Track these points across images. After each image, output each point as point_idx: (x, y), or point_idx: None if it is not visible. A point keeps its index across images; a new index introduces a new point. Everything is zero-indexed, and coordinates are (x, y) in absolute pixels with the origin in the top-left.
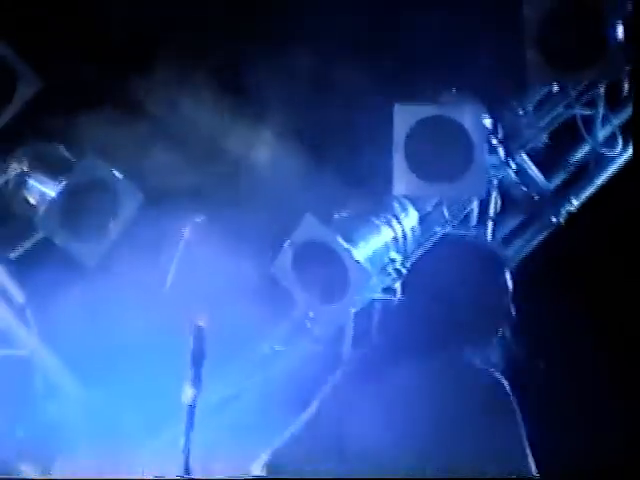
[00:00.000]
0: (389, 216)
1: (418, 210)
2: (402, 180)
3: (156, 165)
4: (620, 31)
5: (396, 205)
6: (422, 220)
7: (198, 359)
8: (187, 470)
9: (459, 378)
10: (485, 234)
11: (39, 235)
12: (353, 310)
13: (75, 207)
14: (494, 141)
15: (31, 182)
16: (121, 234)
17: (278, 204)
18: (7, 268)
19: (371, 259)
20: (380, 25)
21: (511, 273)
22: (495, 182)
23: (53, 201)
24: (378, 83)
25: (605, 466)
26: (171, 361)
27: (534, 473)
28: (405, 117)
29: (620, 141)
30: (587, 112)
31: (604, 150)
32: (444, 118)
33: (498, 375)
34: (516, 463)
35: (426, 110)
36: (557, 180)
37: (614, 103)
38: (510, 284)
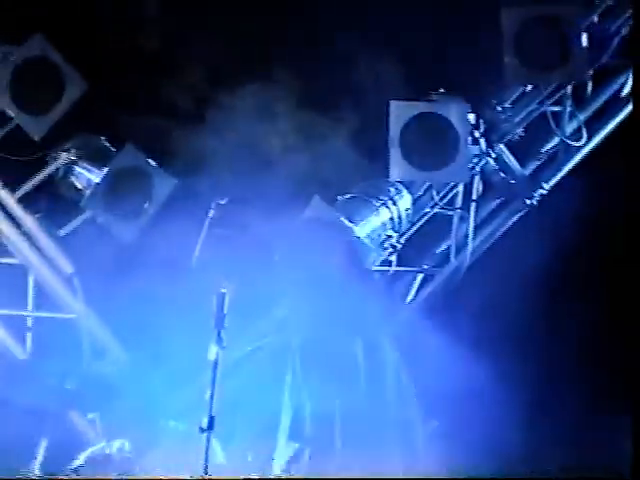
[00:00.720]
0: (386, 199)
1: (411, 193)
2: (397, 167)
3: (188, 153)
4: (584, 39)
5: (392, 189)
6: (415, 202)
7: (221, 322)
8: (211, 419)
9: None
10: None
11: (85, 215)
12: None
13: (116, 191)
14: (476, 134)
15: (78, 169)
16: (156, 214)
17: (291, 188)
18: (57, 243)
19: (370, 236)
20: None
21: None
22: (477, 169)
23: (97, 186)
24: (377, 82)
25: None
26: (198, 323)
27: None
28: (400, 113)
29: (585, 133)
30: (556, 109)
31: (571, 141)
32: (434, 114)
33: None
34: None
35: (418, 107)
36: (531, 167)
37: (579, 101)
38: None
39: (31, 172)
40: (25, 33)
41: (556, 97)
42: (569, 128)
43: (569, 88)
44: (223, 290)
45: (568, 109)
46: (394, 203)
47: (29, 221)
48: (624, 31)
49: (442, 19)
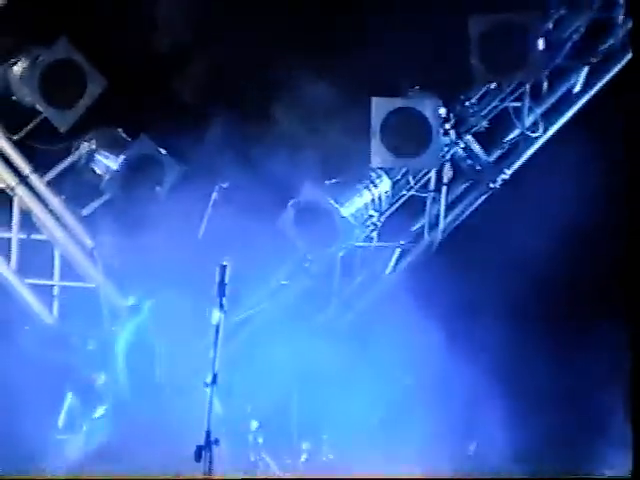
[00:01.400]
0: (368, 183)
1: (390, 178)
2: (378, 155)
3: (194, 143)
4: (540, 44)
5: (373, 174)
6: (393, 185)
7: (222, 290)
8: (214, 375)
9: None
10: None
11: (104, 197)
12: (340, 254)
13: (131, 176)
14: (447, 126)
15: (98, 157)
16: (166, 197)
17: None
18: (80, 221)
19: (354, 215)
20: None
21: None
22: (448, 157)
23: (114, 171)
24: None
25: None
26: (203, 291)
27: None
28: (380, 107)
29: (541, 126)
30: (516, 104)
31: (529, 132)
32: (410, 108)
33: None
34: None
35: (396, 102)
36: (494, 155)
37: (536, 97)
38: None
39: (57, 159)
40: (51, 37)
41: (516, 94)
42: (528, 121)
43: (527, 86)
44: (224, 263)
45: (527, 104)
46: (375, 186)
47: (56, 202)
48: (575, 37)
49: (418, 24)
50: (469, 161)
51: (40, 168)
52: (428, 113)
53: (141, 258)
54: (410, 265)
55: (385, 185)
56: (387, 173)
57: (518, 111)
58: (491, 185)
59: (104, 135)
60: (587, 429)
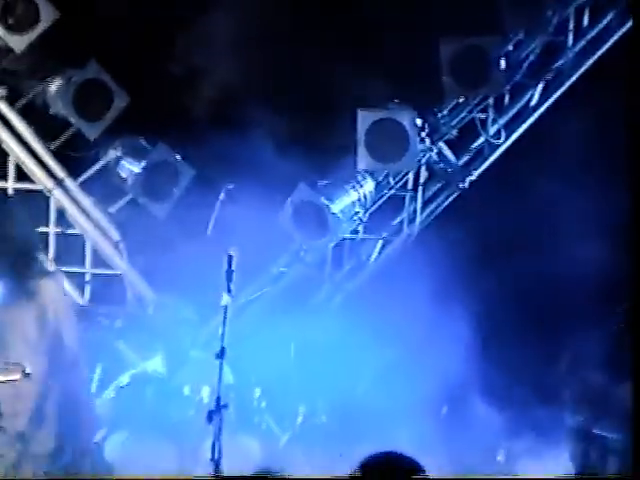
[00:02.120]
0: (354, 183)
1: (374, 179)
2: (363, 159)
3: (204, 150)
4: (502, 63)
5: (359, 176)
6: (376, 186)
7: (230, 276)
8: (222, 349)
9: None
10: None
11: (128, 197)
12: (331, 245)
13: (151, 179)
14: (423, 134)
15: (123, 163)
16: (181, 196)
17: (280, 179)
18: (108, 218)
19: (343, 211)
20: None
21: None
22: (423, 161)
23: (137, 175)
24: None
25: None
26: (214, 277)
27: None
28: (365, 118)
29: (503, 134)
30: (482, 115)
31: (493, 140)
32: (390, 119)
33: None
34: None
35: (378, 114)
36: (463, 159)
37: (499, 109)
38: None
39: (88, 165)
40: (82, 60)
41: (481, 106)
42: (492, 130)
43: (491, 100)
44: (231, 253)
45: (491, 116)
46: (361, 187)
47: (86, 202)
48: (532, 57)
49: (398, 45)
50: (441, 165)
51: (73, 173)
52: (406, 123)
53: (159, 247)
54: (391, 254)
55: (369, 185)
56: (371, 175)
57: (483, 121)
58: (460, 185)
59: (128, 144)
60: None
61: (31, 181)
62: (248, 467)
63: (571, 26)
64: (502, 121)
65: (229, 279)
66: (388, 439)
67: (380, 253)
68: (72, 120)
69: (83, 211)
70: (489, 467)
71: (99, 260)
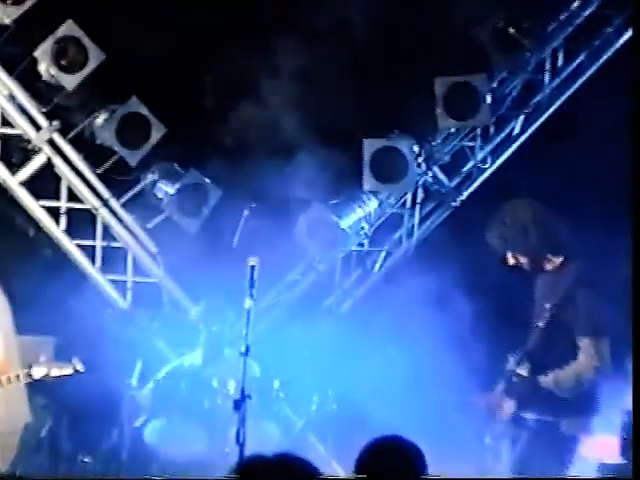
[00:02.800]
0: (361, 202)
1: (377, 199)
2: (368, 182)
3: (230, 175)
4: (488, 98)
5: (364, 196)
6: (379, 205)
7: (252, 283)
8: (247, 347)
9: None
10: None
11: (164, 215)
12: (340, 256)
13: (184, 199)
14: (419, 160)
15: (159, 185)
16: (210, 213)
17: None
18: (146, 233)
19: (350, 227)
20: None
21: None
22: (420, 183)
23: (171, 196)
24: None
25: None
26: (238, 285)
27: None
28: (369, 146)
29: (489, 159)
30: (470, 144)
31: (480, 165)
32: (391, 147)
33: None
34: None
35: (381, 142)
36: (455, 182)
37: (486, 138)
38: None
39: (129, 187)
40: (125, 95)
41: (470, 136)
42: (479, 156)
43: (479, 130)
44: (252, 263)
45: (478, 144)
46: (366, 205)
47: (128, 219)
48: (514, 93)
49: (399, 81)
50: (436, 186)
51: (116, 194)
52: (405, 150)
53: (192, 258)
54: (392, 264)
55: (373, 204)
56: (375, 195)
57: (472, 149)
58: (452, 204)
59: (163, 168)
60: None
61: (80, 201)
62: (268, 449)
63: (547, 66)
64: (488, 148)
65: (251, 286)
66: (390, 425)
67: (383, 263)
68: (116, 148)
69: (125, 227)
70: (480, 448)
71: (139, 269)
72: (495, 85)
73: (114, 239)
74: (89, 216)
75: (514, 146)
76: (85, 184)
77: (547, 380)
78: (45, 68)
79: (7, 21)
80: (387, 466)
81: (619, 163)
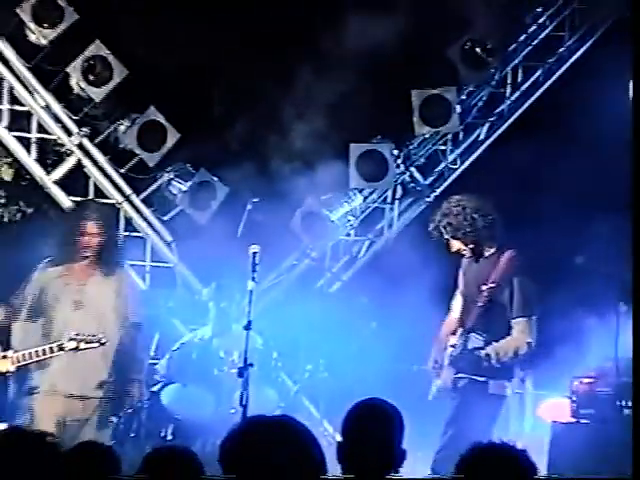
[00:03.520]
0: (348, 198)
1: (362, 195)
2: (354, 180)
3: (235, 174)
4: (458, 108)
5: (351, 192)
6: (364, 200)
7: (254, 268)
8: (249, 322)
9: None
10: None
11: (178, 209)
12: (331, 244)
13: (195, 195)
14: (398, 161)
15: (174, 183)
16: (218, 207)
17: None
18: (163, 224)
19: (339, 219)
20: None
21: None
22: (399, 181)
23: (184, 192)
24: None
25: None
26: (242, 269)
27: None
28: (355, 149)
29: (459, 161)
30: (443, 147)
31: (451, 165)
32: (374, 150)
33: None
34: None
35: (365, 146)
36: (429, 180)
37: (455, 142)
38: None
39: (148, 184)
40: (144, 105)
41: (442, 140)
42: (450, 158)
43: (450, 135)
44: (254, 250)
45: (449, 147)
46: (352, 201)
47: (147, 212)
48: (480, 104)
49: (381, 93)
50: (412, 184)
51: (137, 190)
52: (386, 153)
53: (201, 246)
54: (375, 251)
55: (359, 200)
56: (360, 192)
57: (444, 152)
58: (427, 199)
59: (178, 168)
60: None
61: (106, 197)
62: (268, 410)
63: (509, 81)
64: (458, 151)
65: (253, 270)
66: (372, 391)
67: (367, 251)
68: (136, 151)
69: (144, 219)
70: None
71: (156, 255)
72: (464, 97)
73: (135, 229)
74: (113, 210)
75: (480, 149)
76: (110, 182)
77: (489, 354)
78: (76, 82)
79: (44, 42)
80: (368, 427)
81: (565, 163)
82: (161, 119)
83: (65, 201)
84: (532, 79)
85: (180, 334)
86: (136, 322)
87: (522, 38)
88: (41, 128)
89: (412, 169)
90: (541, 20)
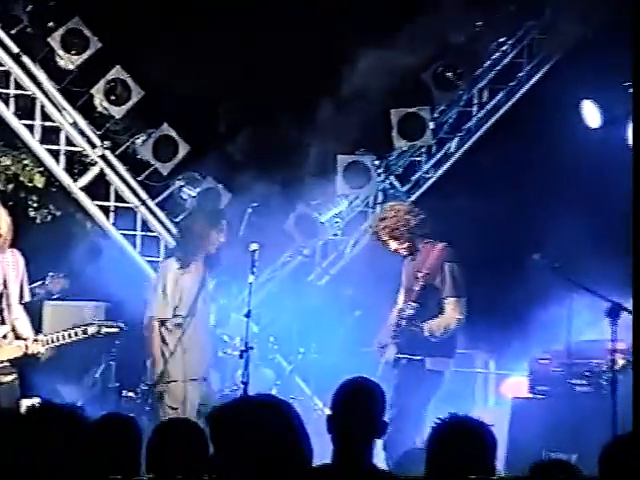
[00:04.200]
0: (335, 203)
1: (348, 200)
2: (340, 187)
3: (237, 181)
4: (431, 125)
5: (338, 198)
6: (349, 204)
7: (253, 263)
8: (249, 311)
9: None
10: None
11: (187, 211)
12: (320, 242)
13: (202, 199)
14: (379, 171)
15: (184, 189)
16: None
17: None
18: (174, 225)
19: (328, 221)
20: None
21: None
22: (380, 188)
23: (193, 197)
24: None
25: None
26: (243, 263)
27: None
28: (342, 160)
29: (432, 171)
30: (418, 158)
31: (425, 175)
32: (358, 161)
33: None
34: None
35: (351, 158)
36: (406, 187)
37: (429, 155)
38: None
39: (161, 190)
40: (158, 121)
41: (418, 152)
42: (424, 168)
43: (424, 148)
44: (254, 248)
45: (424, 159)
46: (339, 205)
47: (161, 214)
48: (450, 120)
49: (363, 112)
50: (392, 191)
51: (152, 195)
52: (368, 163)
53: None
54: (360, 249)
55: (344, 204)
56: (346, 197)
57: (419, 162)
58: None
59: (188, 177)
60: None
61: (125, 201)
62: (265, 387)
63: (475, 101)
64: (431, 162)
65: (253, 265)
66: (358, 370)
67: (352, 248)
68: (151, 161)
69: (158, 220)
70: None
71: (169, 252)
72: (436, 115)
73: (150, 230)
74: (131, 212)
75: (450, 161)
76: (128, 188)
77: (422, 328)
78: (99, 102)
79: (71, 66)
80: (353, 402)
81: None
82: (173, 134)
83: (89, 205)
84: (496, 99)
85: None
86: None
87: (487, 64)
88: (69, 141)
89: (391, 177)
90: (504, 48)
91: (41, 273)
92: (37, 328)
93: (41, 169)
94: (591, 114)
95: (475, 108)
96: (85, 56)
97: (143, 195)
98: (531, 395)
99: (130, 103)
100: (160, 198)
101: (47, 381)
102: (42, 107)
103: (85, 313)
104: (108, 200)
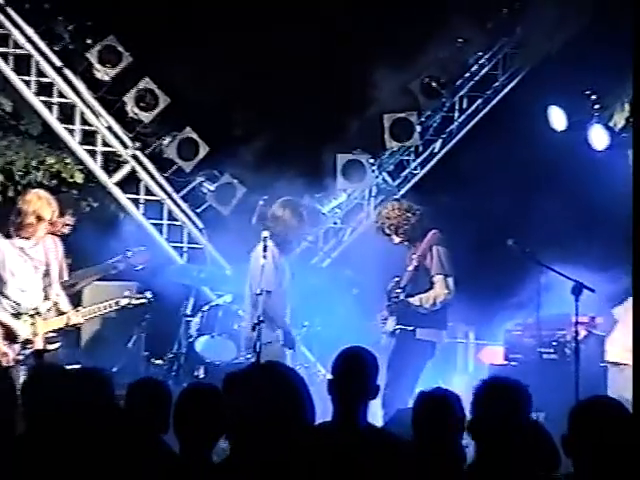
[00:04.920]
0: (335, 195)
1: (346, 194)
2: (340, 182)
3: (251, 177)
4: (418, 128)
5: (338, 192)
6: (348, 197)
7: (265, 248)
8: (262, 290)
9: None
10: None
11: (207, 204)
12: (323, 230)
13: (220, 193)
14: (373, 168)
15: (204, 184)
16: (237, 203)
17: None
18: (196, 215)
19: (329, 212)
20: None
21: None
22: (374, 183)
23: (212, 191)
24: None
25: None
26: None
27: None
28: (341, 159)
29: (419, 168)
30: (407, 158)
31: (412, 172)
32: (356, 159)
33: None
34: None
35: (348, 156)
36: (396, 182)
37: (416, 154)
38: None
39: (185, 185)
40: (182, 125)
41: (407, 152)
42: (412, 166)
43: (412, 149)
44: (265, 235)
45: (412, 158)
46: (339, 197)
47: (185, 206)
48: (434, 124)
49: (359, 119)
50: (384, 185)
51: (177, 190)
52: (364, 161)
53: (226, 233)
54: (357, 236)
55: (344, 197)
56: (344, 191)
57: (408, 161)
58: (394, 197)
59: (207, 173)
60: None
61: (153, 195)
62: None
63: (457, 107)
64: (418, 161)
65: (264, 249)
66: (355, 341)
67: (350, 235)
68: (176, 160)
69: (182, 211)
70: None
71: (191, 239)
72: (423, 119)
73: (175, 219)
74: (159, 204)
75: (435, 159)
76: (156, 183)
77: (414, 301)
78: (130, 108)
79: (107, 78)
80: (350, 367)
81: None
82: (195, 136)
83: (122, 198)
84: (474, 106)
85: (209, 299)
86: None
87: (467, 75)
88: (104, 143)
89: (384, 174)
90: (481, 61)
91: (84, 258)
92: (77, 304)
93: (81, 167)
94: (557, 118)
95: (456, 113)
96: (118, 69)
97: (169, 189)
98: (505, 362)
99: (157, 109)
100: (184, 192)
101: (88, 351)
102: (81, 113)
103: (117, 291)
104: (138, 194)
